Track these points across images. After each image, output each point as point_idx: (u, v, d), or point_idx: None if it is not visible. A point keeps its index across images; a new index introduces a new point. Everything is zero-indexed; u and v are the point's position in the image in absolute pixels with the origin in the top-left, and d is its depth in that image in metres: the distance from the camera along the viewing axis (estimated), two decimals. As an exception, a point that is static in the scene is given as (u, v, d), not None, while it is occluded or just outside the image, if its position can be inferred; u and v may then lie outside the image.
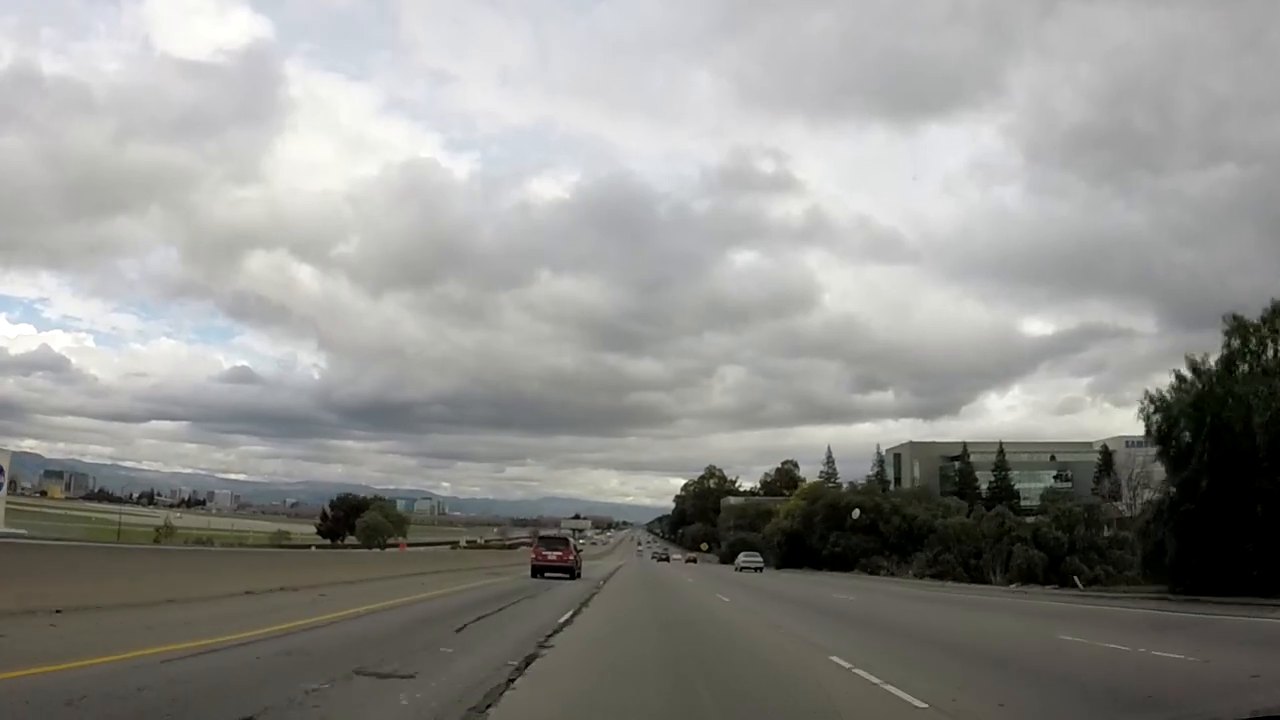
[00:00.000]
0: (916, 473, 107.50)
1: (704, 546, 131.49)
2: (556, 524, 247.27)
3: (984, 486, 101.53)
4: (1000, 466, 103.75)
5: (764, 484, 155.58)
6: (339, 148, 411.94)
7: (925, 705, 6.92)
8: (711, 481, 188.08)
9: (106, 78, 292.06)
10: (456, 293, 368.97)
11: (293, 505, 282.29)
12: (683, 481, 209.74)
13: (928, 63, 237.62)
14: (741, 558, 66.66)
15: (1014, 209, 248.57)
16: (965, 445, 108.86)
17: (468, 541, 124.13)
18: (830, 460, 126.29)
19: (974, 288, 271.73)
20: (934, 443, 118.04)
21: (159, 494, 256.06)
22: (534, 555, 34.85)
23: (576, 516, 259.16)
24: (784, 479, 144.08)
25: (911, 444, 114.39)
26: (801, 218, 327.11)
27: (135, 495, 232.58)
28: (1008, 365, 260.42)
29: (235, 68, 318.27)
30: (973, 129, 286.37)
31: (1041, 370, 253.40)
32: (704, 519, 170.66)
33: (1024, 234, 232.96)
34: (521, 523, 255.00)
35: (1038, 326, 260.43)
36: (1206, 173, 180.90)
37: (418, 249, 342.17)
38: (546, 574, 32.41)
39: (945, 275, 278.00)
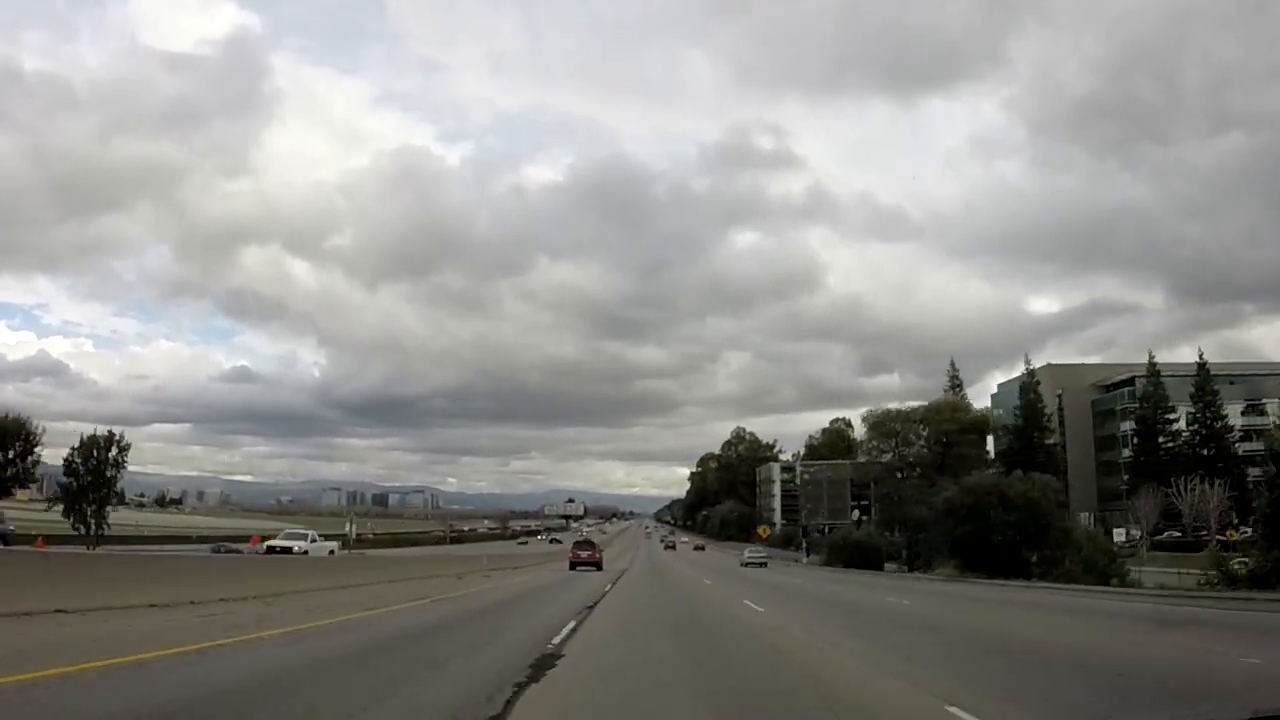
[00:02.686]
0: (1053, 407, 79.63)
1: (762, 531, 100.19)
2: (540, 513, 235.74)
3: (1179, 423, 72.97)
4: (1204, 393, 71.17)
5: (809, 449, 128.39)
6: (330, 139, 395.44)
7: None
8: (740, 448, 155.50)
9: (92, 73, 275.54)
10: (454, 282, 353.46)
11: (289, 502, 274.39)
12: (688, 470, 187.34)
13: (928, 35, 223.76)
14: (747, 552, 65.34)
15: (1018, 184, 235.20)
16: (1152, 363, 76.50)
17: (359, 537, 74.43)
18: (954, 373, 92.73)
19: (979, 266, 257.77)
20: (1080, 365, 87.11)
21: (140, 494, 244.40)
22: (571, 555, 45.20)
23: (570, 501, 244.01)
24: (835, 441, 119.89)
25: (1050, 367, 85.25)
26: (802, 195, 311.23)
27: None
28: (1014, 344, 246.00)
29: (221, 59, 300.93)
30: (975, 103, 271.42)
31: (1049, 348, 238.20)
32: (733, 494, 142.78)
33: (1029, 210, 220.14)
34: (522, 515, 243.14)
35: (1044, 304, 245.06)
36: (1214, 142, 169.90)
37: (413, 239, 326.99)
38: (579, 567, 40.92)
39: (949, 253, 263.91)
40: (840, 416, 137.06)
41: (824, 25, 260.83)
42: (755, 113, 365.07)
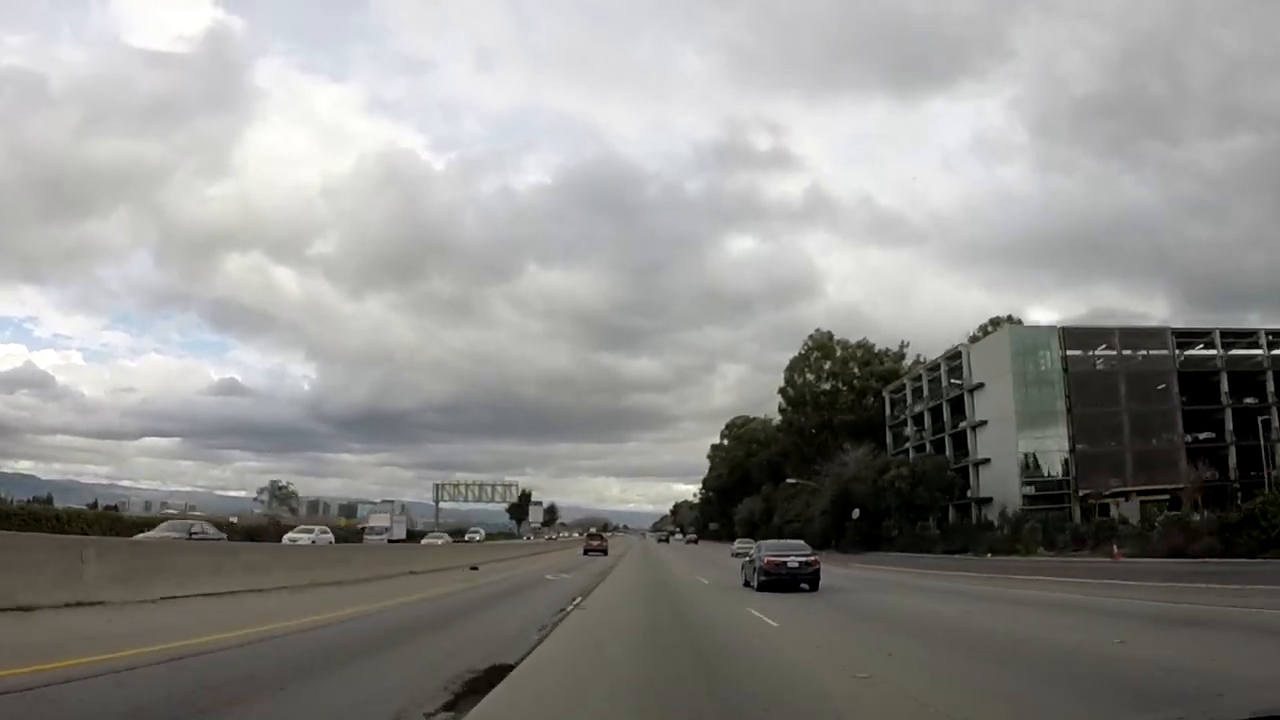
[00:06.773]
0: None
1: None
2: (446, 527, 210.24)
3: None
4: None
5: (951, 364, 70.31)
6: (313, 141, 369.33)
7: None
8: (827, 367, 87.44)
9: (70, 68, 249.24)
10: (443, 290, 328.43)
11: (259, 513, 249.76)
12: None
13: (930, 28, 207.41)
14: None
15: (1020, 188, 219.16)
16: None
17: None
18: None
19: (979, 274, 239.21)
20: None
21: (96, 503, 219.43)
22: (585, 544, 64.84)
23: (533, 500, 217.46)
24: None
25: None
26: (800, 197, 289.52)
27: (30, 498, 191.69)
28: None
29: (202, 59, 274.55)
30: (977, 102, 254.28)
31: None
32: (822, 458, 74.20)
33: (1031, 215, 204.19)
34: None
35: (1044, 315, 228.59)
36: (1221, 142, 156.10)
37: (399, 244, 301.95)
38: (589, 553, 58.05)
39: (950, 259, 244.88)
40: (1001, 315, 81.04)
41: (823, 17, 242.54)
42: (751, 109, 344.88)
